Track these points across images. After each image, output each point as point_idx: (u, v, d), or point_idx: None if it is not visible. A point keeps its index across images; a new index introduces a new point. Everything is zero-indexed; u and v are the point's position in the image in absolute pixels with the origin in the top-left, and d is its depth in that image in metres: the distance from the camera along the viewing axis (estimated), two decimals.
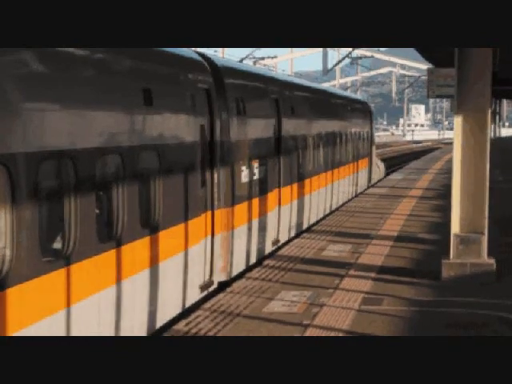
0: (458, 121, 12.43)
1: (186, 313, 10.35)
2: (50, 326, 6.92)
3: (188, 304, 10.65)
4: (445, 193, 22.24)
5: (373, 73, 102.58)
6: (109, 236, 8.24)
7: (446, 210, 16.00)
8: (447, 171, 27.60)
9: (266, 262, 13.59)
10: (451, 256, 12.19)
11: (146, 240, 9.09)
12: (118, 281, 8.30)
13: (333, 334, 9.16)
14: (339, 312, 10.17)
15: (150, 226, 9.25)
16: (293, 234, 16.91)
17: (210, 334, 9.13)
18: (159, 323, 9.57)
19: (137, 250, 8.79)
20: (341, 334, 9.14)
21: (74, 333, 7.30)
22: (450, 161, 12.60)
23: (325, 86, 34.13)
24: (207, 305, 10.54)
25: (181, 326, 9.44)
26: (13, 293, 6.33)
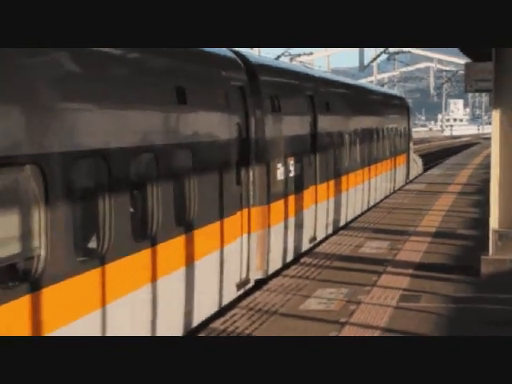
0: (496, 115, 12.30)
1: (222, 311, 10.34)
2: (86, 326, 6.95)
3: (225, 302, 10.64)
4: (484, 188, 22.00)
5: (410, 68, 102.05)
6: (144, 235, 8.25)
7: (485, 205, 15.83)
8: (487, 166, 27.32)
9: (302, 260, 13.55)
10: (490, 252, 12.05)
11: (182, 238, 9.09)
12: (154, 280, 8.30)
13: (370, 331, 9.10)
14: (377, 309, 10.09)
15: (186, 225, 9.25)
16: (330, 231, 16.84)
17: (247, 332, 9.11)
18: (196, 322, 9.57)
19: (173, 248, 8.80)
20: (378, 332, 9.08)
21: (110, 332, 7.32)
22: (489, 156, 12.46)
23: (361, 82, 33.96)
24: (244, 303, 10.53)
25: (217, 325, 9.43)
26: (48, 292, 6.36)
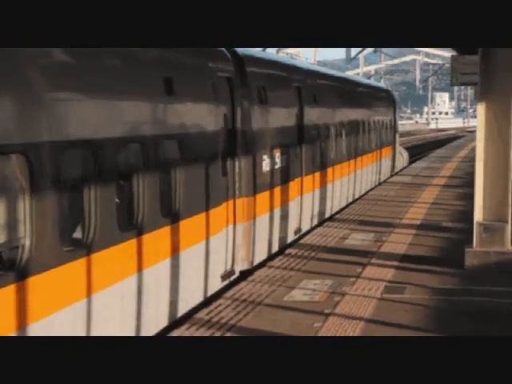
0: (481, 108, 12.35)
1: (207, 302, 10.34)
2: (71, 316, 6.93)
3: (209, 293, 10.64)
4: (469, 181, 22.10)
5: (396, 61, 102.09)
6: (130, 225, 8.24)
7: (470, 198, 15.92)
8: (471, 159, 27.46)
9: (288, 251, 13.58)
10: (474, 244, 12.12)
11: (167, 229, 9.08)
12: (139, 270, 8.28)
13: (354, 322, 9.14)
14: (361, 301, 10.14)
15: (171, 216, 9.22)
16: (315, 222, 16.87)
17: (232, 322, 9.13)
18: (180, 312, 9.57)
19: (158, 239, 8.78)
20: (362, 323, 9.12)
21: (95, 323, 7.30)
22: (474, 149, 12.52)
23: (348, 74, 33.98)
24: (229, 293, 10.54)
25: (202, 315, 9.44)
26: (33, 282, 6.33)
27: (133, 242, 8.17)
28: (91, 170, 7.40)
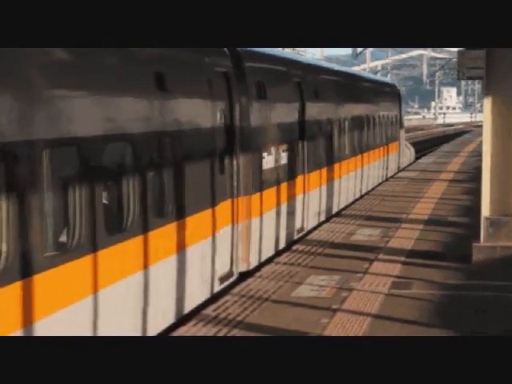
0: (487, 102, 12.32)
1: (209, 300, 10.21)
2: (58, 322, 6.64)
3: (208, 296, 10.30)
4: (476, 175, 22.04)
5: (403, 56, 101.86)
6: (119, 228, 7.87)
7: (477, 193, 15.87)
8: (479, 154, 27.40)
9: (295, 247, 13.55)
10: (481, 239, 12.09)
11: (162, 231, 8.70)
12: (130, 274, 7.95)
13: (361, 318, 9.13)
14: (368, 296, 10.12)
15: (166, 216, 8.87)
16: (322, 219, 16.73)
17: (239, 318, 9.13)
18: (176, 317, 9.24)
19: (151, 241, 8.37)
20: (370, 319, 9.11)
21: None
22: (481, 143, 12.49)
23: (353, 69, 33.93)
24: (236, 290, 10.52)
25: (209, 311, 9.43)
26: (12, 290, 6.03)
27: (124, 246, 7.82)
28: (78, 170, 7.03)
